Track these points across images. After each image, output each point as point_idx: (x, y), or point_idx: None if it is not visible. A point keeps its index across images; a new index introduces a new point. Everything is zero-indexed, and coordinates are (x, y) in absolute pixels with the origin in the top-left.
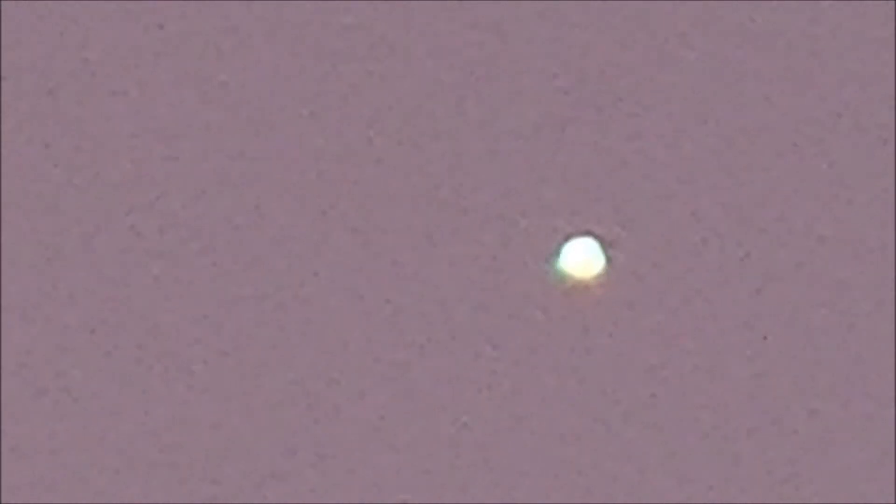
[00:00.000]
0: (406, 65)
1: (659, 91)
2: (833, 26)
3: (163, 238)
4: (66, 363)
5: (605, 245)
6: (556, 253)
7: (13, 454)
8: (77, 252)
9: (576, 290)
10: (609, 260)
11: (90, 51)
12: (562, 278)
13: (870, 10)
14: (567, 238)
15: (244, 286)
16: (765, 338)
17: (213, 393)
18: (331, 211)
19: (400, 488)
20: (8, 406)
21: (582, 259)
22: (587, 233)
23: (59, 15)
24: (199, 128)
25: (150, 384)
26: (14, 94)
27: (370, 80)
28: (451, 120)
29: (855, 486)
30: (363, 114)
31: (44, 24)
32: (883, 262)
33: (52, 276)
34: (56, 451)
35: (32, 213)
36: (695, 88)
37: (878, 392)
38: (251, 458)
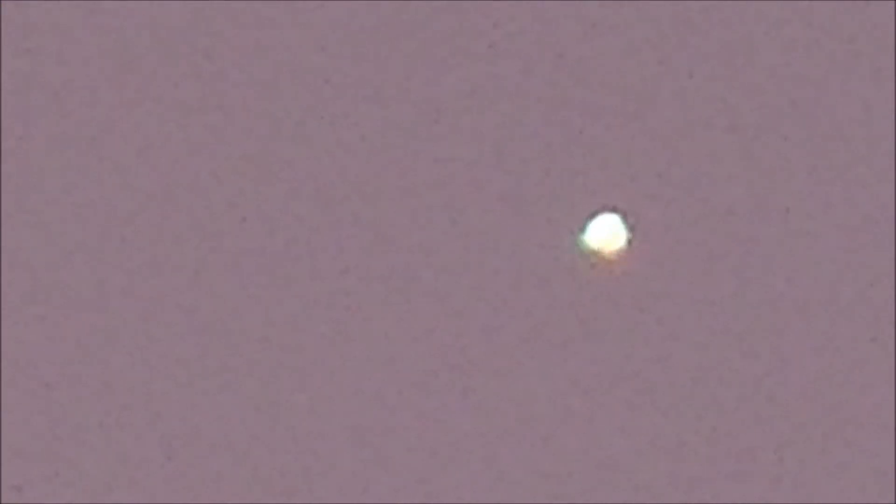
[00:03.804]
0: (429, 42)
1: (681, 72)
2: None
3: (163, 238)
4: (66, 362)
5: (628, 221)
6: (581, 229)
7: (13, 454)
8: (76, 252)
9: (599, 265)
10: (632, 236)
11: (90, 50)
12: (585, 254)
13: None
14: (591, 214)
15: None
16: (787, 322)
17: (215, 393)
18: (354, 188)
19: (423, 460)
20: (8, 406)
21: (605, 235)
22: (610, 208)
23: (59, 14)
24: (199, 128)
25: (149, 384)
26: (13, 94)
27: (402, 53)
28: (477, 97)
29: (855, 485)
30: (389, 90)
31: (43, 24)
32: None
33: (52, 274)
34: (56, 451)
35: (32, 212)
36: (719, 67)
37: None
38: (256, 459)
